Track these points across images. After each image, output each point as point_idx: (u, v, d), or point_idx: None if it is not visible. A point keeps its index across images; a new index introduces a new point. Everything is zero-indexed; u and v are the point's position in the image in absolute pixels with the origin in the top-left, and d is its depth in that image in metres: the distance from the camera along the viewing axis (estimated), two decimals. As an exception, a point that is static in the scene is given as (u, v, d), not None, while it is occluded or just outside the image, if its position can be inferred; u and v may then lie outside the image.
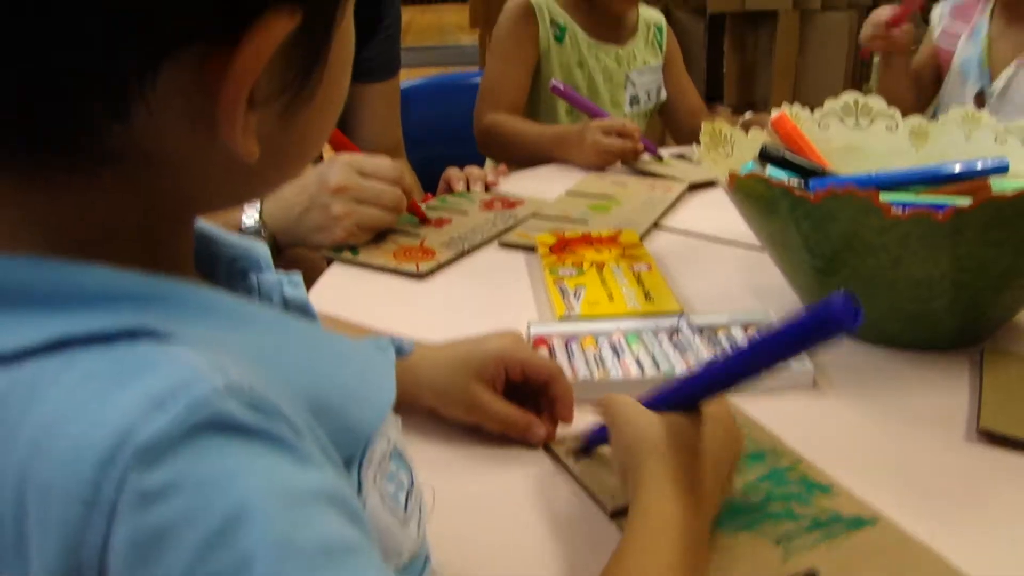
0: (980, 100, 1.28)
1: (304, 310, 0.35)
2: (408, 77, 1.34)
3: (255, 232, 0.84)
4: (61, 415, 0.22)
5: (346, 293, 0.79)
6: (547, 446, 0.54)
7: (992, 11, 1.33)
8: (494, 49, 1.35)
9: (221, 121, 0.25)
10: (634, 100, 1.37)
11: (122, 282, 0.26)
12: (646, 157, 1.14)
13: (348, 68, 0.31)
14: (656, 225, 0.93)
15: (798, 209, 0.60)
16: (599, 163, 1.12)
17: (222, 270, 0.34)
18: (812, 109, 0.83)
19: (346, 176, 0.85)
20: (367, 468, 0.31)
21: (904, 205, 0.66)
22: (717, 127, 0.76)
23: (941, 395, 0.61)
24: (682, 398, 0.45)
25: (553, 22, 1.32)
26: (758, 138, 0.78)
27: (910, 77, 1.38)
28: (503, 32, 1.33)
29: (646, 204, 0.97)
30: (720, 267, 0.82)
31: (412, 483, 0.35)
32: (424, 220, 0.92)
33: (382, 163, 0.88)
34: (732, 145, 0.76)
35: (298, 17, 0.25)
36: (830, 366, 0.64)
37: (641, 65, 1.36)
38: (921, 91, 1.40)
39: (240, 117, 0.26)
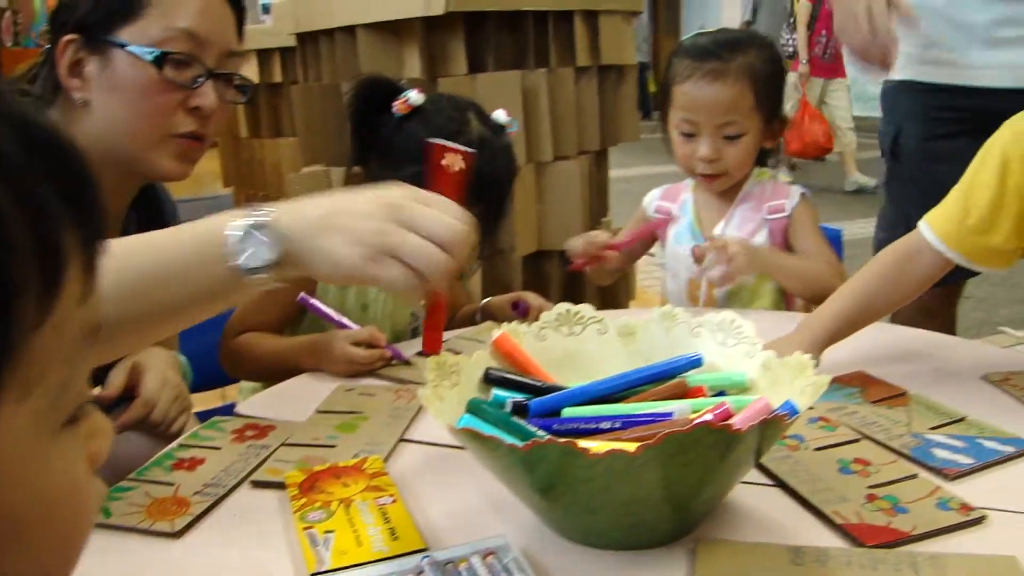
0: (696, 256, 1.44)
1: None
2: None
3: (253, 227, 0.69)
4: None
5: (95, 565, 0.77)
6: None
7: (694, 187, 1.53)
8: None
9: None
10: None
11: None
12: (394, 363, 1.19)
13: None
14: (402, 439, 0.97)
15: (512, 455, 0.66)
16: (349, 372, 1.16)
17: None
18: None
19: (401, 194, 0.72)
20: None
21: (617, 418, 0.74)
22: (442, 359, 0.81)
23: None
24: None
25: None
26: (482, 361, 0.84)
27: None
28: None
29: (392, 417, 1.01)
30: (463, 480, 0.86)
31: None
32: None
33: (447, 202, 0.74)
34: (459, 373, 0.82)
35: None
36: (560, 572, 0.69)
37: None
38: (632, 260, 1.57)
39: None
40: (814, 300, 1.35)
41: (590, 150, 2.22)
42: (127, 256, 0.70)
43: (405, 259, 0.69)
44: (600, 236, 1.40)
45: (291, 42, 2.34)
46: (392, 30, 2.00)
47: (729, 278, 1.32)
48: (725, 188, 1.49)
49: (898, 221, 1.80)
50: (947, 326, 1.95)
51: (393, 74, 1.99)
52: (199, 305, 0.74)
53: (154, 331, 0.77)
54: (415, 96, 1.25)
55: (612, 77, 2.30)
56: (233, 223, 0.70)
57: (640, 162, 6.66)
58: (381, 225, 0.69)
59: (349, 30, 2.07)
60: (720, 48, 1.40)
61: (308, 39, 2.26)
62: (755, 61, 1.41)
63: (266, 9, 4.63)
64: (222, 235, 0.70)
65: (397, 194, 0.71)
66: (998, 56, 1.58)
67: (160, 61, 1.04)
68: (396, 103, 1.26)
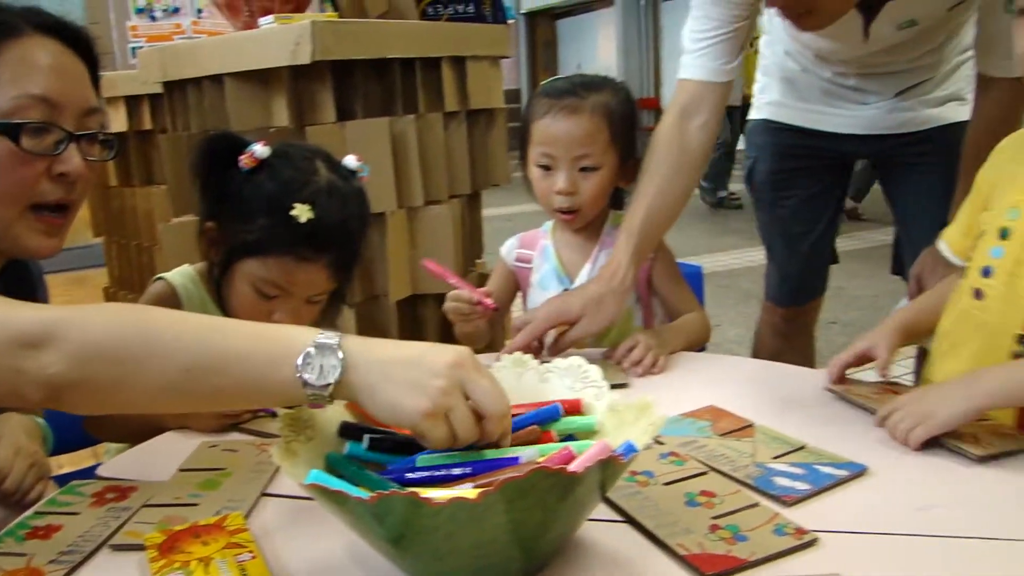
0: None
1: None
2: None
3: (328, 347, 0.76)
4: None
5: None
6: None
7: (552, 231, 1.58)
8: None
9: None
10: None
11: None
12: (261, 414, 1.20)
13: None
14: (264, 494, 0.98)
15: (359, 507, 0.68)
16: (216, 427, 1.16)
17: None
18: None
19: (466, 356, 0.78)
20: None
21: (467, 464, 0.77)
22: (296, 413, 0.83)
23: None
24: None
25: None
26: (337, 414, 0.86)
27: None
28: None
29: (255, 472, 1.02)
30: (324, 532, 0.87)
31: None
32: None
33: (495, 378, 0.80)
34: (314, 427, 0.83)
35: None
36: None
37: None
38: (503, 314, 1.63)
39: None
40: (691, 349, 1.45)
41: (461, 193, 2.25)
42: (203, 330, 0.80)
43: (452, 421, 0.76)
44: (462, 295, 1.41)
45: (160, 88, 2.31)
46: (260, 79, 2.00)
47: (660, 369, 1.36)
48: (581, 226, 1.54)
49: (762, 239, 2.01)
50: (804, 349, 2.07)
51: (261, 123, 2.00)
52: (247, 397, 0.83)
53: (196, 405, 0.88)
54: (260, 149, 1.26)
55: (481, 121, 2.34)
56: (312, 338, 0.77)
57: (521, 199, 6.74)
58: (447, 385, 0.75)
59: (217, 79, 2.06)
60: (576, 87, 1.47)
61: (176, 87, 2.23)
62: (610, 100, 1.47)
63: (136, 52, 4.56)
64: (298, 344, 0.77)
65: (459, 356, 0.77)
66: (833, 107, 1.79)
67: (15, 132, 0.99)
68: (243, 157, 1.26)
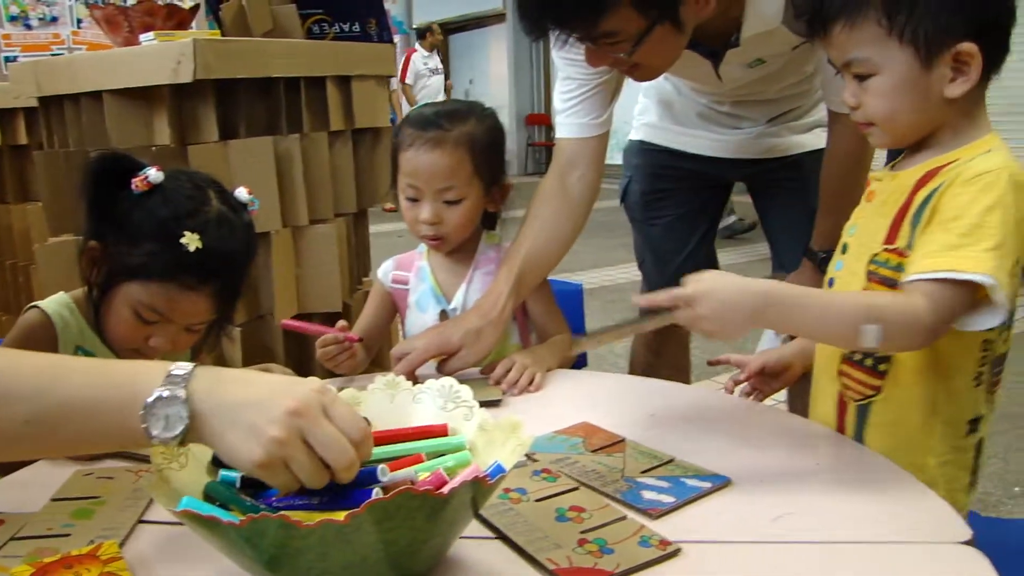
0: (445, 319, 1.55)
1: None
2: None
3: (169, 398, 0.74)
4: None
5: None
6: None
7: (427, 252, 1.61)
8: None
9: None
10: None
11: None
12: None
13: None
14: (141, 520, 0.97)
15: (231, 532, 0.69)
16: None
17: None
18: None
19: (310, 402, 0.75)
20: None
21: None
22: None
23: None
24: None
25: (78, 348, 1.33)
26: (211, 442, 0.87)
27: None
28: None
29: (131, 499, 1.01)
30: (201, 558, 0.87)
31: None
32: None
33: (353, 418, 0.78)
34: (187, 455, 0.84)
35: None
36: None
37: None
38: (380, 339, 1.66)
39: None
40: (564, 367, 1.51)
41: (347, 212, 2.26)
42: (42, 379, 0.77)
43: (293, 470, 0.74)
44: (327, 339, 1.44)
45: (34, 101, 2.25)
46: (140, 96, 1.97)
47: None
48: (450, 250, 1.57)
49: (635, 255, 2.08)
50: (678, 362, 2.14)
51: (142, 141, 1.97)
52: (95, 446, 0.85)
53: (46, 453, 0.94)
54: (154, 174, 1.26)
55: (367, 139, 2.35)
56: (157, 382, 0.75)
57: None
58: (282, 435, 0.73)
59: (96, 95, 2.02)
60: (441, 118, 1.49)
61: (52, 103, 2.18)
62: (475, 131, 1.50)
63: (9, 62, 4.40)
64: (142, 391, 0.75)
65: (302, 402, 0.75)
66: (707, 131, 1.87)
67: None
68: (136, 180, 1.25)
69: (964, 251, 1.02)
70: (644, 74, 1.53)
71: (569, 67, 1.60)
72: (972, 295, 1.03)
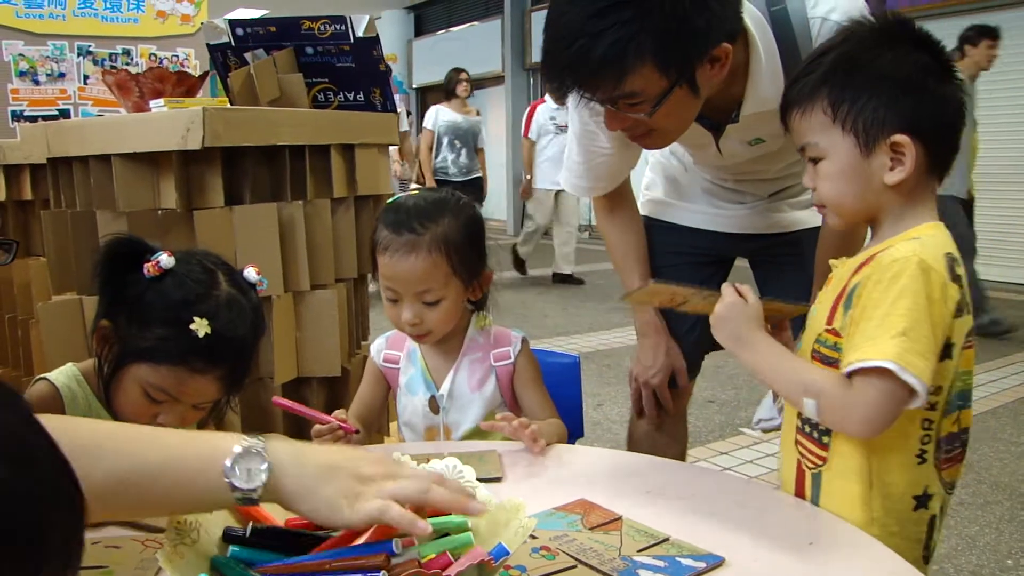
0: (434, 405, 1.58)
1: None
2: None
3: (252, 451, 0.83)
4: None
5: None
6: None
7: None
8: None
9: None
10: None
11: None
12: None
13: None
14: (147, 592, 0.99)
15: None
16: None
17: None
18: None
19: (383, 458, 0.88)
20: None
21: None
22: (180, 518, 0.85)
23: None
24: None
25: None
26: (220, 519, 0.89)
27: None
28: None
29: (139, 570, 1.02)
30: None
31: None
32: None
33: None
34: (198, 530, 0.86)
35: None
36: None
37: None
38: (377, 419, 1.71)
39: None
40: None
41: (348, 277, 2.30)
42: (133, 444, 0.84)
43: (393, 490, 0.85)
44: (322, 430, 1.43)
45: (42, 159, 2.29)
46: (148, 160, 2.01)
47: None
48: (436, 341, 1.58)
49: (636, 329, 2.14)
50: (676, 432, 2.16)
51: (149, 204, 2.01)
52: (172, 506, 0.87)
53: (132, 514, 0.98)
54: (166, 259, 1.29)
55: (369, 206, 2.39)
56: (235, 443, 0.83)
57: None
58: (361, 488, 0.84)
59: (104, 157, 2.06)
60: (414, 220, 1.48)
61: (60, 162, 2.22)
62: (448, 230, 1.49)
63: (16, 116, 4.46)
64: (223, 449, 0.83)
65: (371, 468, 0.87)
66: (713, 207, 1.93)
67: None
68: (148, 265, 1.28)
69: (876, 341, 1.10)
70: (657, 139, 1.57)
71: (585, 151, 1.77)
72: (895, 380, 1.10)
